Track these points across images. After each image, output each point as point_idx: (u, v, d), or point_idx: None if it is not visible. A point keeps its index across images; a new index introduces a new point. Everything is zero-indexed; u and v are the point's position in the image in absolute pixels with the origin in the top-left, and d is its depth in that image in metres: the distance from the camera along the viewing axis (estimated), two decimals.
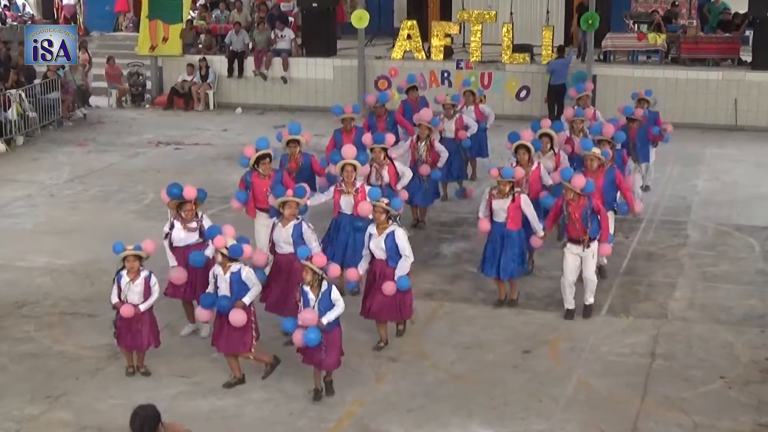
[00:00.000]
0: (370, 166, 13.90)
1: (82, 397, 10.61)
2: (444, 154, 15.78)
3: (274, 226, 11.73)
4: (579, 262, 12.47)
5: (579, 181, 12.18)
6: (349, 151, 13.01)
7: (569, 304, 12.65)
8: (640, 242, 15.53)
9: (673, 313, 12.88)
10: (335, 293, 10.29)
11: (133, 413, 7.45)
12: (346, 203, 12.88)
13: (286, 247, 11.59)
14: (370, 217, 11.69)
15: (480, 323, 12.55)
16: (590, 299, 12.70)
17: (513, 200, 12.56)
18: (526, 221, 12.76)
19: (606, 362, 11.43)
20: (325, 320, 10.19)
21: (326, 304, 10.22)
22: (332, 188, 13.13)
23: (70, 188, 18.80)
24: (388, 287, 11.37)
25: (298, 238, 11.48)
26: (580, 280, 12.68)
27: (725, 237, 15.87)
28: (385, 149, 14.08)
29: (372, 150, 14.08)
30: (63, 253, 15.02)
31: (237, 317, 10.50)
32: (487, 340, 12.03)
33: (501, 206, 12.62)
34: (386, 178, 13.91)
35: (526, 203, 12.66)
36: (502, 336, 12.16)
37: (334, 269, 10.33)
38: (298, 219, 11.62)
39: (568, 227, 12.45)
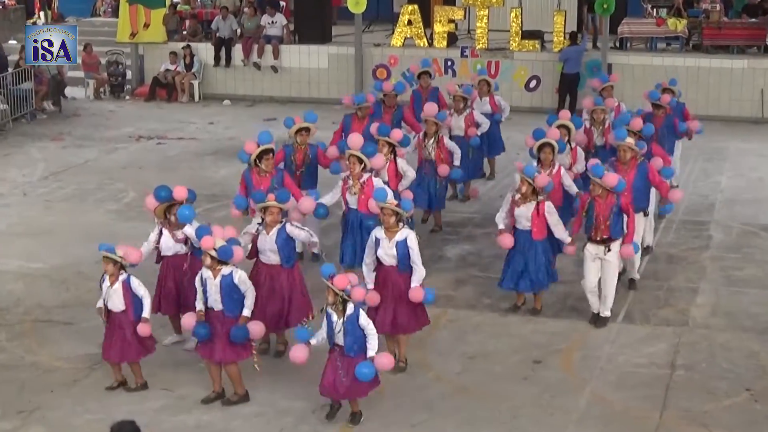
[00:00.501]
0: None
1: (58, 412, 10.60)
2: (457, 151, 15.76)
3: (258, 233, 11.56)
4: (599, 264, 12.45)
5: (611, 178, 12.12)
6: (354, 140, 12.99)
7: (596, 308, 12.65)
8: (659, 244, 15.54)
9: (695, 320, 12.89)
10: (363, 318, 10.09)
11: None
12: (351, 198, 12.90)
13: (272, 257, 11.46)
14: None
15: (487, 331, 12.56)
16: (606, 312, 12.65)
17: (537, 208, 12.39)
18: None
19: (622, 373, 11.44)
20: (371, 352, 10.06)
21: (352, 329, 10.04)
22: (340, 183, 13.12)
23: (44, 186, 18.81)
24: (417, 294, 11.04)
25: (283, 243, 11.40)
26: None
27: (751, 238, 15.88)
28: (390, 144, 14.00)
29: (377, 142, 13.96)
30: (37, 257, 15.02)
31: (254, 329, 10.56)
32: (495, 350, 12.04)
33: (524, 213, 12.45)
34: (384, 176, 13.69)
35: (549, 211, 12.51)
36: (511, 345, 12.16)
37: (358, 292, 10.09)
38: (281, 222, 11.49)
39: (591, 227, 12.35)
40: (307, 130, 14.12)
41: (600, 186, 12.16)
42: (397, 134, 14.24)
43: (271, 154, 13.19)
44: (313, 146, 14.31)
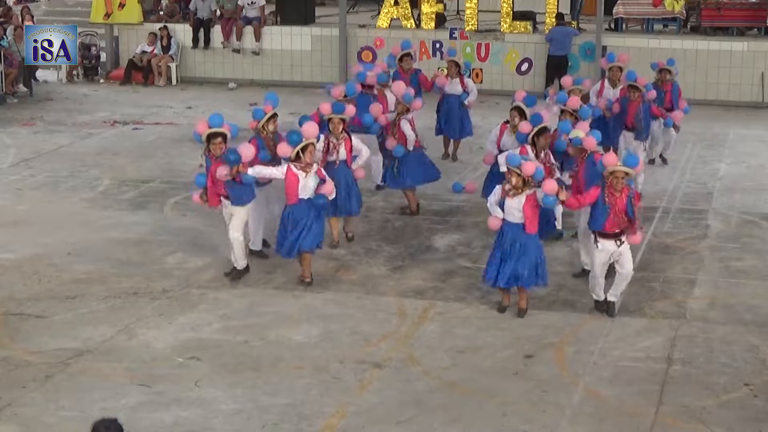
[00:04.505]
0: (326, 139, 14.17)
1: (30, 409, 10.57)
2: (411, 137, 15.75)
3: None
4: (610, 256, 12.33)
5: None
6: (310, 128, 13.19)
7: (600, 296, 12.59)
8: (655, 233, 15.58)
9: (693, 312, 12.91)
10: None
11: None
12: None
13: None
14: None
15: (476, 325, 12.57)
16: (614, 297, 12.59)
17: (527, 200, 12.07)
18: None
19: (617, 368, 11.46)
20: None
21: None
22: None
23: (15, 173, 18.75)
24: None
25: None
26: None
27: (751, 227, 15.94)
28: (344, 120, 14.30)
29: (330, 121, 14.24)
30: (7, 247, 14.98)
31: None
32: (484, 344, 12.05)
33: (516, 205, 12.15)
34: (342, 154, 14.20)
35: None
36: (501, 339, 12.18)
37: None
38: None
39: (605, 222, 12.08)
40: (275, 116, 14.23)
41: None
42: (350, 110, 14.55)
43: (219, 138, 13.11)
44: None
